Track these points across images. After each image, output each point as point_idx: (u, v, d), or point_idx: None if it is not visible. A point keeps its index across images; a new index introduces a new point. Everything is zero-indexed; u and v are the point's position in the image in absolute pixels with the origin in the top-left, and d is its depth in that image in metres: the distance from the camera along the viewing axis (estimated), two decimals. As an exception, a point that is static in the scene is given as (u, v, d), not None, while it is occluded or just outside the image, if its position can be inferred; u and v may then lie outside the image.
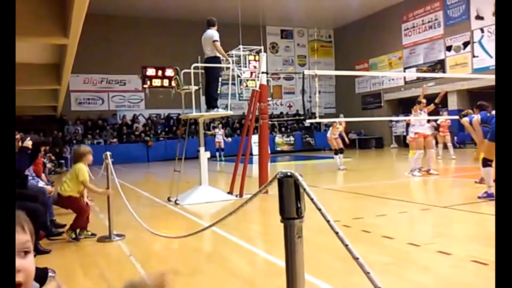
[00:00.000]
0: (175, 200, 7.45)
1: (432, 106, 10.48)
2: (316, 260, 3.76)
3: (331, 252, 3.91)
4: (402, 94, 23.82)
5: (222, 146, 19.65)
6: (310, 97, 24.66)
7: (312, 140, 24.82)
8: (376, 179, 10.36)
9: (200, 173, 7.88)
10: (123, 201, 4.91)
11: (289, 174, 1.58)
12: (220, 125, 21.21)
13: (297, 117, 26.64)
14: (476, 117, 7.09)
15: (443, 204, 6.31)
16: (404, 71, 24.07)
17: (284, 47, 28.97)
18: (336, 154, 12.97)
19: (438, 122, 14.49)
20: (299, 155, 21.53)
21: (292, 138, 25.11)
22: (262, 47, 10.06)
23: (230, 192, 7.90)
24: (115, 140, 22.15)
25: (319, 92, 27.96)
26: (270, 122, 18.17)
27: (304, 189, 1.59)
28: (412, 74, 22.77)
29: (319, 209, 1.66)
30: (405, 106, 22.98)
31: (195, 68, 7.47)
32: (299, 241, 1.65)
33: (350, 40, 28.10)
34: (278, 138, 24.84)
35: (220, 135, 19.72)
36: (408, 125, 10.71)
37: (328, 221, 1.73)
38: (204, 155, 7.76)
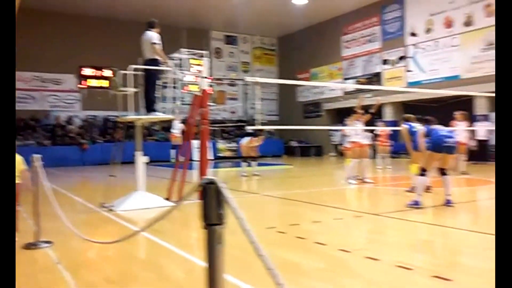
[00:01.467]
0: (110, 206, 7.20)
1: (368, 116, 10.93)
2: (245, 264, 3.77)
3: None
4: (341, 104, 24.59)
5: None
6: (253, 103, 24.89)
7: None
8: (314, 186, 10.61)
9: (136, 179, 7.67)
10: (53, 207, 4.67)
11: (211, 180, 1.58)
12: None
13: (239, 123, 26.73)
14: (422, 130, 7.45)
15: (375, 212, 6.57)
16: (344, 82, 24.92)
17: (228, 52, 29.04)
18: (244, 161, 13.30)
19: (378, 132, 15.11)
20: (240, 162, 21.57)
21: (234, 144, 25.14)
22: (205, 51, 10.01)
23: (168, 198, 7.76)
24: (48, 142, 21.08)
25: (262, 99, 28.32)
26: (212, 128, 18.08)
27: (225, 196, 1.59)
28: (349, 86, 23.62)
29: (238, 218, 1.66)
30: (344, 115, 23.70)
31: (133, 69, 7.29)
32: (219, 247, 1.65)
33: (293, 49, 28.69)
34: (221, 144, 24.78)
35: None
36: (343, 134, 11.16)
37: (245, 230, 1.72)
38: (140, 159, 7.57)
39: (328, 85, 25.64)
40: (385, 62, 22.82)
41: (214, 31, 27.97)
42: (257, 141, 13.38)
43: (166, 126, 24.13)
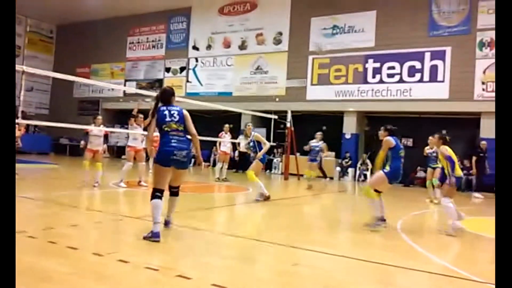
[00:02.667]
0: None
1: (147, 121, 11.06)
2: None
3: None
4: (121, 105, 24.18)
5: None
6: (20, 93, 22.24)
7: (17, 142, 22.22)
8: (79, 188, 10.12)
9: None
10: None
11: None
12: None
13: None
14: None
15: (136, 215, 6.71)
16: (125, 83, 24.59)
17: (-6, 31, 25.27)
18: None
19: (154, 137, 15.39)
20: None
21: (-9, 136, 21.89)
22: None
23: None
24: None
25: (32, 89, 25.58)
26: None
27: None
28: (131, 89, 23.47)
29: None
30: (122, 117, 23.39)
31: None
32: None
33: (74, 41, 26.89)
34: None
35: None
36: (106, 136, 10.75)
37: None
38: None
39: (106, 86, 24.84)
40: (168, 70, 23.50)
41: (-23, 2, 23.99)
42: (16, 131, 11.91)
43: None
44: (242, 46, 21.04)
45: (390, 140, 6.55)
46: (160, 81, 23.62)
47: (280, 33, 19.93)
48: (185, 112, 5.40)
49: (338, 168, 17.99)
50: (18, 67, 9.01)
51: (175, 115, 5.22)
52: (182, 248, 5.02)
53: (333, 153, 18.24)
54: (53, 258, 4.09)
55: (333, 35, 18.65)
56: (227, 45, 21.54)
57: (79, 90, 26.56)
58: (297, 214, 8.61)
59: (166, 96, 5.43)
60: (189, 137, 5.32)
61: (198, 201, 9.15)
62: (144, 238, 5.00)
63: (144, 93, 22.06)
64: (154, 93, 21.29)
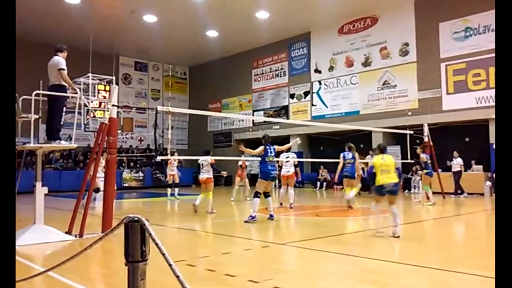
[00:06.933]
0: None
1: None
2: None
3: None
4: (250, 135, 25.21)
5: (177, 180, 15.98)
6: (162, 131, 24.52)
7: (162, 177, 24.42)
8: (223, 216, 10.62)
9: (34, 211, 7.11)
10: None
11: (136, 219, 1.57)
12: (176, 153, 17.32)
13: (147, 153, 26.09)
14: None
15: (280, 241, 6.74)
16: (253, 113, 25.65)
17: (138, 79, 28.52)
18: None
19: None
20: (147, 192, 20.99)
21: (141, 174, 24.39)
22: (113, 77, 9.72)
23: (69, 232, 7.27)
24: None
25: (172, 127, 28.05)
26: (118, 157, 17.37)
27: (150, 234, 1.59)
28: (259, 118, 24.41)
29: (163, 254, 1.67)
30: (253, 146, 24.30)
31: (36, 95, 6.86)
32: (142, 283, 1.64)
33: (205, 79, 29.02)
34: (126, 174, 23.88)
35: (174, 167, 16.12)
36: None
37: (170, 265, 1.74)
38: (41, 190, 7.05)
39: (237, 117, 26.21)
40: (292, 96, 23.94)
41: (123, 56, 27.37)
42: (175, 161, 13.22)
43: (67, 153, 22.89)
44: (366, 63, 20.54)
45: None
46: (286, 108, 24.13)
47: (406, 44, 19.03)
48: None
49: (489, 183, 16.20)
50: (164, 108, 9.93)
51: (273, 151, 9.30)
52: (335, 273, 4.87)
53: (481, 167, 16.61)
54: (214, 286, 4.25)
55: (466, 37, 17.22)
56: (349, 64, 21.23)
57: (213, 124, 28.45)
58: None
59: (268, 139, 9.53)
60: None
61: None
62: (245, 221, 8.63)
63: (272, 120, 23.08)
64: (281, 120, 21.81)
